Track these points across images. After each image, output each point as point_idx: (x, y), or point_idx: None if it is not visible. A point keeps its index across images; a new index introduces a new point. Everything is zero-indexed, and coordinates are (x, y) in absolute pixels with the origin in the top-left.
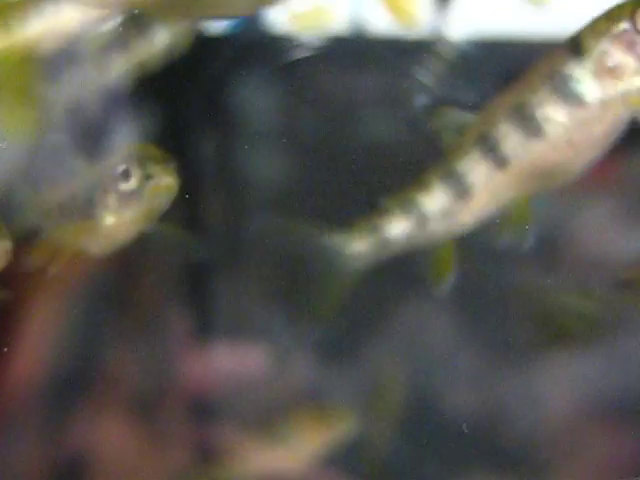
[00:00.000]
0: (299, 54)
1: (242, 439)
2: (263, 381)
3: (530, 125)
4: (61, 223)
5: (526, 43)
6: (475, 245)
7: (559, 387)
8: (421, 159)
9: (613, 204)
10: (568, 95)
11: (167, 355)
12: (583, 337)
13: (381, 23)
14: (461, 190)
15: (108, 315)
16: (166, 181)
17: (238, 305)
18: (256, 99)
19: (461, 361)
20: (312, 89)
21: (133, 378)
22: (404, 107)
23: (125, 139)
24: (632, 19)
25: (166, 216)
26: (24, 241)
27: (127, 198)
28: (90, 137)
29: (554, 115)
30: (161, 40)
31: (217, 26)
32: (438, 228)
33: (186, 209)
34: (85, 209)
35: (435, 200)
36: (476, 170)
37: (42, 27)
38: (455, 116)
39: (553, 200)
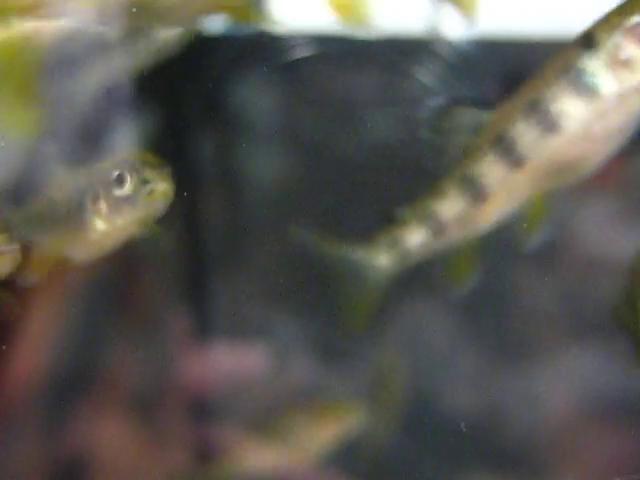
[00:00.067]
0: (299, 54)
1: (242, 439)
2: (263, 380)
3: (546, 121)
4: (50, 231)
5: (526, 43)
6: (489, 246)
7: (559, 387)
8: (421, 159)
9: (615, 203)
10: (583, 88)
11: (167, 355)
12: None
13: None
14: (477, 194)
15: (108, 315)
16: (162, 187)
17: (237, 305)
18: (256, 99)
19: (461, 361)
20: (312, 89)
21: (133, 378)
22: (404, 107)
23: (125, 139)
24: None
25: (166, 217)
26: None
27: (121, 204)
28: (89, 137)
29: (569, 109)
30: (161, 40)
31: (217, 26)
32: (456, 234)
33: (186, 209)
34: (75, 215)
35: (452, 206)
36: (492, 172)
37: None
38: (471, 115)
39: (553, 200)
